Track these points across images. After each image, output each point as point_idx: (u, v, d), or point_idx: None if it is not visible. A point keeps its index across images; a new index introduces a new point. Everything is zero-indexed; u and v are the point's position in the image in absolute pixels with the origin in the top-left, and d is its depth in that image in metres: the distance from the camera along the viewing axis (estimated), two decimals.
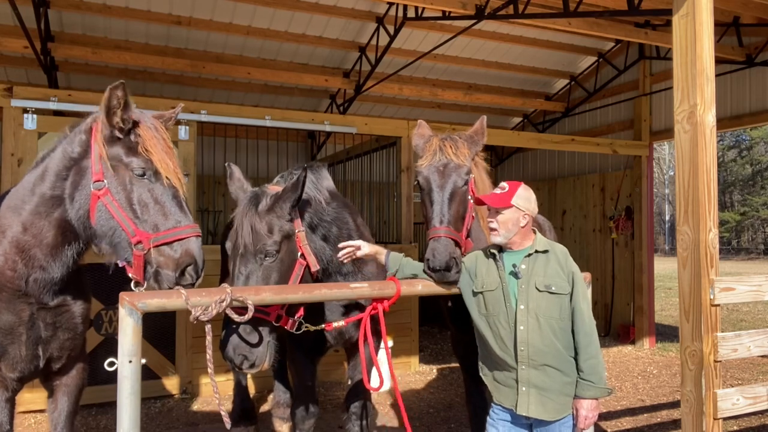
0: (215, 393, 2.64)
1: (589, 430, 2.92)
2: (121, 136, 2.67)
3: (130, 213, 2.63)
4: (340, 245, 3.24)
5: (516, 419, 2.97)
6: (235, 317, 2.66)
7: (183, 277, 2.58)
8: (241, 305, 2.62)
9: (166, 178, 2.67)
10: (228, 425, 2.63)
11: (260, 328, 2.91)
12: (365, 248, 3.19)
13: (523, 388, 2.87)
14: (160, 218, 2.62)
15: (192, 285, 2.61)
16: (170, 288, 2.57)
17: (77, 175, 2.72)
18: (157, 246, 2.58)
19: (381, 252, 3.24)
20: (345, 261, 3.28)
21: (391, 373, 3.19)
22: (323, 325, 3.20)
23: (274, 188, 3.24)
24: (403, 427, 5.64)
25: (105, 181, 2.65)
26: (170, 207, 2.65)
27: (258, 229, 2.96)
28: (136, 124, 2.72)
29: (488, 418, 3.08)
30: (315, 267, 3.18)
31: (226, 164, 3.43)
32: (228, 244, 3.09)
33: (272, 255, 2.97)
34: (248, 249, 2.96)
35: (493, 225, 2.99)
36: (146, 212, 2.63)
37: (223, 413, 2.64)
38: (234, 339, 2.86)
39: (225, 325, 2.88)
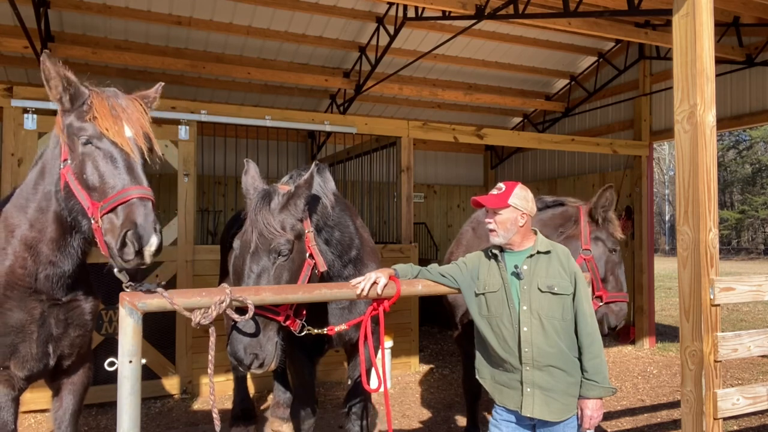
0: (211, 394, 2.62)
1: (592, 430, 2.92)
2: (69, 105, 2.57)
3: (83, 184, 2.49)
4: (353, 282, 2.98)
5: (520, 420, 2.96)
6: (236, 317, 2.64)
7: (125, 247, 2.33)
8: (240, 305, 2.60)
9: (113, 141, 2.49)
10: (218, 428, 2.58)
11: (269, 328, 2.90)
12: (382, 280, 2.95)
13: (528, 390, 2.87)
14: (106, 184, 2.44)
15: (138, 255, 2.34)
16: (120, 263, 2.35)
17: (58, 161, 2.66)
18: (104, 214, 2.40)
19: (391, 272, 3.07)
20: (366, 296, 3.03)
21: (381, 376, 3.14)
22: (326, 330, 3.18)
23: (284, 188, 3.21)
24: (403, 428, 5.64)
25: (69, 158, 2.56)
26: (114, 171, 2.45)
27: (272, 227, 2.94)
28: (97, 95, 2.59)
29: (491, 419, 3.08)
30: (323, 267, 3.15)
31: (245, 160, 3.38)
32: (236, 242, 3.07)
33: (285, 254, 2.95)
34: (261, 247, 2.93)
35: (491, 226, 2.99)
36: (94, 180, 2.48)
37: (214, 415, 2.61)
38: (244, 338, 2.85)
39: (232, 325, 2.86)
